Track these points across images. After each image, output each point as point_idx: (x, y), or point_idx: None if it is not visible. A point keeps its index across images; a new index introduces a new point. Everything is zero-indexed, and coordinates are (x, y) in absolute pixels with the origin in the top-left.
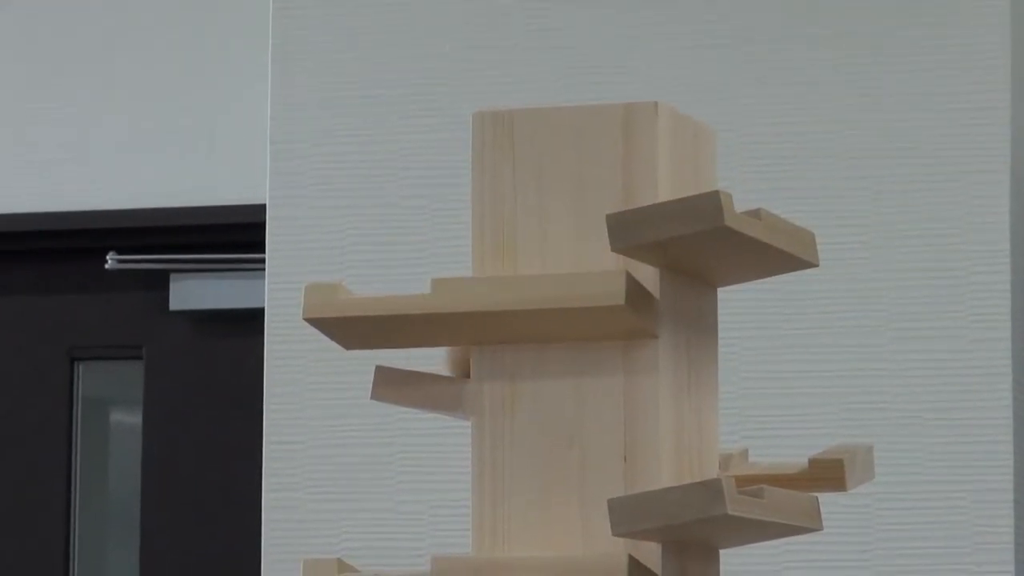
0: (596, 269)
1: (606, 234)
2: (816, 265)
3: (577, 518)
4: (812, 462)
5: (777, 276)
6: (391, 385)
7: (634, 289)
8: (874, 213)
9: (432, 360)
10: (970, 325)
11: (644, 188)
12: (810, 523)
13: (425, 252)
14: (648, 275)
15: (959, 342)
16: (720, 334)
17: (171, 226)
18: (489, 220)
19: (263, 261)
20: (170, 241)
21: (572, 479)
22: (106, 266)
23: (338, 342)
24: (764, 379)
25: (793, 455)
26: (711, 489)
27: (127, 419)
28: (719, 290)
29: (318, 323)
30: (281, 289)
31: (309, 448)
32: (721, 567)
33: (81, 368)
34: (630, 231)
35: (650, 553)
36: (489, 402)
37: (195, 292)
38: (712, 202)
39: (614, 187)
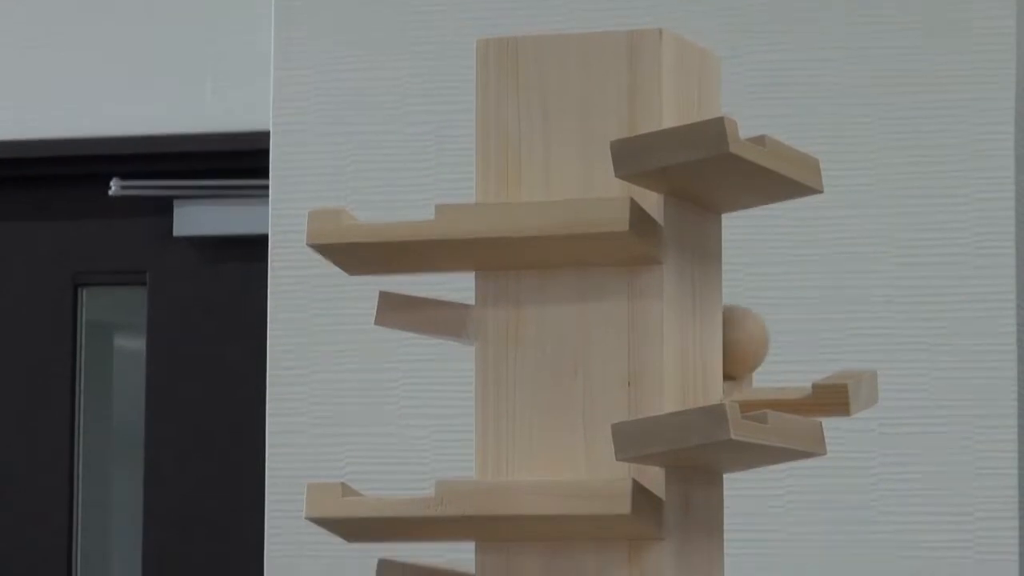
0: (600, 196)
1: (610, 161)
2: (820, 191)
3: (581, 443)
4: (816, 387)
5: (781, 203)
6: (395, 310)
7: (638, 215)
8: (878, 140)
9: (436, 286)
10: (974, 251)
11: (648, 115)
12: (814, 448)
13: (429, 178)
14: (652, 201)
15: (963, 268)
16: (724, 260)
17: (175, 152)
18: (493, 146)
19: (267, 187)
20: (174, 167)
21: (576, 404)
22: (110, 192)
23: (342, 268)
24: (768, 305)
25: (797, 380)
26: (715, 414)
27: (131, 344)
28: (723, 216)
29: (322, 249)
30: (285, 215)
31: (313, 373)
32: (724, 491)
33: (85, 293)
34: (634, 157)
35: (654, 478)
36: (493, 328)
37: (199, 218)
38: (716, 128)
39: (618, 114)
